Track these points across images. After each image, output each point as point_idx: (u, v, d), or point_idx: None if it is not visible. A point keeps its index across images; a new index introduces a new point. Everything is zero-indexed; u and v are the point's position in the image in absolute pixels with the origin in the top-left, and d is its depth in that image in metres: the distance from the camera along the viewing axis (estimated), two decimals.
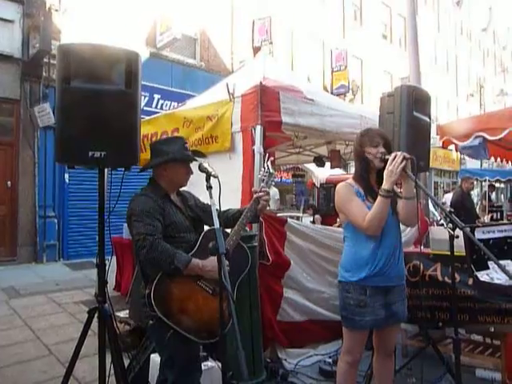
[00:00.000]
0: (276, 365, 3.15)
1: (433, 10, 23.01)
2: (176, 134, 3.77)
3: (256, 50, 11.66)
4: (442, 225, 5.57)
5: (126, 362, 2.47)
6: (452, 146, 4.40)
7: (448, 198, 9.43)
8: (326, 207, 8.25)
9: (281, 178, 12.82)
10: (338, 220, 2.31)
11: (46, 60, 7.98)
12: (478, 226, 3.05)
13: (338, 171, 7.49)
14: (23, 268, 7.57)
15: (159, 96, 9.55)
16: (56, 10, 8.25)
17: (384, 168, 2.04)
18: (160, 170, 2.11)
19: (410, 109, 2.46)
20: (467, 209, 6.92)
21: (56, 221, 8.33)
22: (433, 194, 3.30)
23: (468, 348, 3.21)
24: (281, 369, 3.12)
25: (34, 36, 7.86)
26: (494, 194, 13.36)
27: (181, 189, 2.25)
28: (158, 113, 5.71)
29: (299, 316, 3.44)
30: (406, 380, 2.93)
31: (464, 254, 2.76)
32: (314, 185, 9.28)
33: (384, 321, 2.13)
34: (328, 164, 6.19)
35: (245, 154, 3.36)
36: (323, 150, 6.05)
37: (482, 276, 2.82)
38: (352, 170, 2.33)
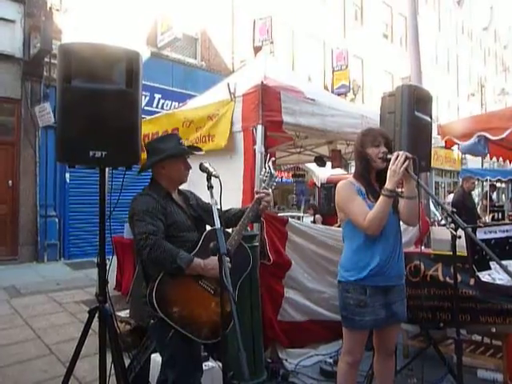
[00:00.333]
0: (277, 365, 3.15)
1: (434, 10, 22.99)
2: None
3: (257, 49, 11.67)
4: (444, 225, 5.57)
5: (127, 362, 2.47)
6: (454, 146, 4.39)
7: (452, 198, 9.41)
8: (326, 207, 8.23)
9: (282, 177, 12.81)
10: (338, 220, 2.29)
11: (46, 60, 7.98)
12: (480, 226, 3.04)
13: (339, 171, 7.47)
14: (24, 267, 7.59)
15: (160, 96, 9.55)
16: (57, 10, 8.26)
17: (385, 168, 2.04)
18: (158, 169, 2.11)
19: (411, 108, 2.45)
20: (468, 209, 6.91)
21: (57, 220, 8.34)
22: (434, 194, 3.29)
23: (469, 348, 3.20)
24: (281, 369, 3.12)
25: (34, 36, 7.87)
26: (495, 193, 13.34)
27: (182, 189, 2.25)
28: (158, 112, 5.72)
29: (300, 316, 3.43)
30: (407, 380, 2.92)
31: (465, 254, 2.75)
32: (315, 185, 9.27)
33: (384, 321, 2.13)
34: (329, 164, 6.18)
35: (246, 154, 3.36)
36: (324, 150, 6.04)
37: (484, 276, 2.81)
38: (353, 169, 2.32)
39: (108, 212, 2.00)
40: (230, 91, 3.42)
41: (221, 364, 2.22)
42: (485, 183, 11.29)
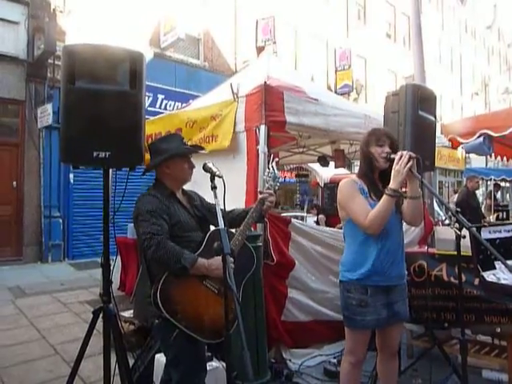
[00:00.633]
0: (280, 365, 3.15)
1: (437, 9, 22.91)
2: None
3: (260, 49, 11.66)
4: (448, 224, 5.54)
5: (131, 362, 2.47)
6: (459, 147, 4.36)
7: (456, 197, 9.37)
8: (330, 207, 8.24)
9: (285, 177, 12.82)
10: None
11: (50, 61, 8.02)
12: (485, 226, 3.02)
13: (342, 171, 7.47)
14: (29, 268, 7.62)
15: (163, 96, 9.57)
16: (60, 12, 8.30)
17: (388, 168, 2.03)
18: (163, 169, 2.11)
19: (415, 108, 2.45)
20: (473, 208, 6.88)
21: (61, 221, 8.38)
22: (438, 194, 3.27)
23: (474, 349, 3.18)
24: (285, 369, 3.12)
25: (38, 37, 7.90)
26: (499, 193, 13.27)
27: (186, 189, 2.25)
28: (161, 113, 5.74)
29: (304, 316, 3.43)
30: (412, 381, 2.91)
31: (470, 253, 2.74)
32: (318, 184, 9.28)
33: (386, 320, 2.12)
34: (332, 164, 6.17)
35: (249, 154, 3.36)
36: (327, 150, 6.04)
37: (489, 276, 2.79)
38: (356, 169, 2.32)
39: (112, 212, 2.00)
40: (232, 91, 3.42)
41: (225, 364, 2.22)
42: (489, 182, 11.23)
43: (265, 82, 3.27)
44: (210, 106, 3.77)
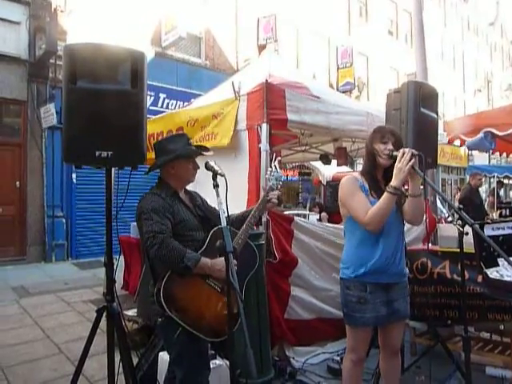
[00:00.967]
0: (284, 363, 3.15)
1: (439, 5, 22.79)
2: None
3: (261, 48, 11.63)
4: (451, 221, 5.53)
5: (135, 361, 2.48)
6: (457, 142, 4.33)
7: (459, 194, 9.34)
8: (332, 205, 8.21)
9: (287, 176, 12.81)
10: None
11: (52, 61, 8.03)
12: (488, 223, 3.01)
13: (345, 169, 7.45)
14: (32, 267, 7.66)
15: (165, 95, 9.58)
16: (61, 11, 8.31)
17: (392, 166, 2.03)
18: (167, 169, 2.11)
19: (416, 105, 2.44)
20: (476, 205, 6.86)
21: (64, 220, 8.41)
22: (440, 191, 3.26)
23: (477, 346, 3.18)
24: (289, 367, 3.12)
25: (40, 37, 7.92)
26: (502, 190, 13.21)
27: (188, 189, 2.26)
28: (163, 112, 5.73)
29: (307, 314, 3.43)
30: (415, 378, 2.91)
31: (473, 251, 2.73)
32: (321, 182, 9.26)
33: (385, 318, 2.12)
34: (334, 162, 6.16)
35: (251, 153, 3.35)
36: (329, 148, 6.02)
37: (492, 273, 2.79)
38: (359, 167, 2.32)
39: (114, 212, 2.01)
40: (234, 90, 3.42)
41: (228, 362, 2.22)
42: (492, 180, 11.19)
43: (266, 80, 3.27)
44: (212, 105, 3.77)
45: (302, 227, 3.44)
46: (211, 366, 2.20)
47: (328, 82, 14.33)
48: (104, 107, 1.82)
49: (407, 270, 2.33)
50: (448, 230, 3.26)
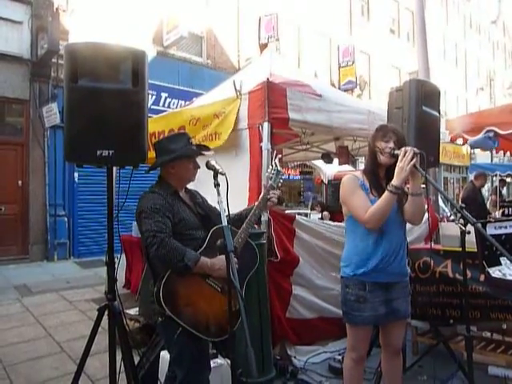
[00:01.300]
0: (285, 362, 3.15)
1: (441, 4, 22.70)
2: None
3: (262, 46, 11.63)
4: (453, 220, 5.51)
5: (136, 359, 2.49)
6: (460, 140, 4.32)
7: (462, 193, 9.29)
8: (334, 204, 8.21)
9: (289, 175, 12.80)
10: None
11: (54, 60, 8.05)
12: (490, 222, 3.00)
13: (346, 168, 7.44)
14: (35, 266, 7.69)
15: (166, 94, 9.58)
16: (63, 11, 8.31)
17: (394, 164, 2.02)
18: (168, 168, 2.11)
19: (418, 103, 2.43)
20: (478, 204, 6.83)
21: (66, 219, 8.43)
22: (442, 190, 3.25)
23: (480, 345, 3.17)
24: (290, 366, 3.12)
25: (42, 37, 7.93)
26: (504, 188, 13.17)
27: (188, 188, 2.25)
28: (165, 111, 5.73)
29: (309, 313, 3.43)
30: (417, 377, 2.91)
31: (475, 249, 2.72)
32: (322, 181, 9.25)
33: (384, 317, 2.12)
34: (336, 160, 6.15)
35: (252, 152, 3.35)
36: (331, 147, 6.01)
37: (494, 272, 2.78)
38: (360, 166, 2.32)
39: (116, 211, 2.01)
40: (235, 89, 3.41)
41: (229, 361, 2.22)
42: (494, 178, 11.15)
43: (267, 79, 3.26)
44: (213, 104, 3.76)
45: (303, 226, 3.44)
46: (212, 365, 2.21)
47: (330, 80, 14.31)
48: (105, 106, 1.81)
49: (409, 270, 2.32)
50: (450, 229, 3.26)
